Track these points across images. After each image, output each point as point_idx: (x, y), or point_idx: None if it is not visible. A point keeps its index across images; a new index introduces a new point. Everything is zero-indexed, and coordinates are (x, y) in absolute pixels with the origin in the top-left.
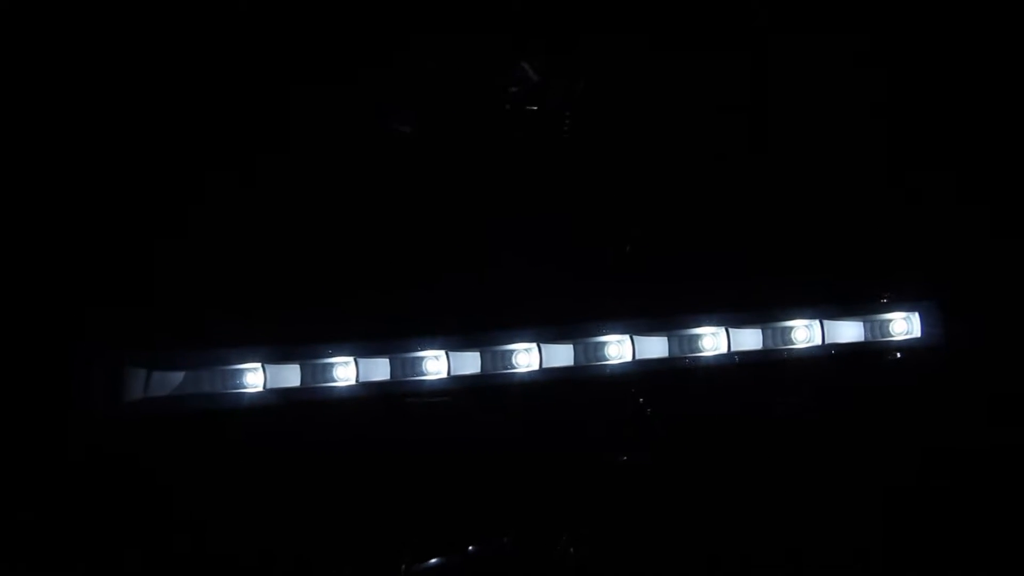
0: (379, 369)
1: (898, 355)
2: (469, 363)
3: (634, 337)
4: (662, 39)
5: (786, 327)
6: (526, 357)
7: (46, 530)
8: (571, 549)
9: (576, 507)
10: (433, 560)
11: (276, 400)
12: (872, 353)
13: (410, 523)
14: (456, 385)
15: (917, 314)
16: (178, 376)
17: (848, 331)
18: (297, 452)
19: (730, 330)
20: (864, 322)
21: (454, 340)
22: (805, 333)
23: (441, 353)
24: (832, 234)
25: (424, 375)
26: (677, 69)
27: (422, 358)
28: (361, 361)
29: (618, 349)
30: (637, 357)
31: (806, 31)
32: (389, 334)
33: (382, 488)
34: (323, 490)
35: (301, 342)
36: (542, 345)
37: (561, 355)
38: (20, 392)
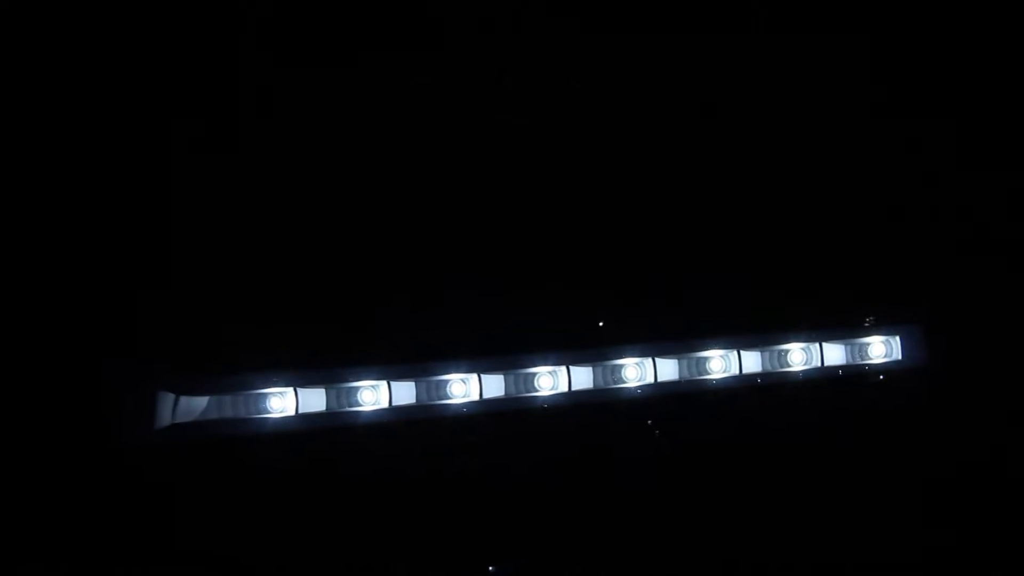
0: (404, 392)
1: (881, 377)
2: (493, 386)
3: (656, 360)
4: (662, 39)
5: (783, 349)
6: (549, 380)
7: (62, 554)
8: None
9: (589, 529)
10: None
11: (302, 424)
12: (857, 375)
13: (427, 544)
14: (482, 408)
15: (898, 337)
16: (202, 401)
17: (832, 354)
18: (323, 476)
19: (741, 352)
20: (846, 345)
21: (479, 363)
22: (802, 355)
23: (471, 376)
24: (823, 252)
25: (450, 399)
26: (677, 71)
27: (447, 381)
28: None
29: (636, 371)
30: (648, 379)
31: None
32: (415, 357)
33: (402, 511)
34: (340, 512)
35: (326, 366)
36: (570, 368)
37: (582, 378)
38: (39, 412)
